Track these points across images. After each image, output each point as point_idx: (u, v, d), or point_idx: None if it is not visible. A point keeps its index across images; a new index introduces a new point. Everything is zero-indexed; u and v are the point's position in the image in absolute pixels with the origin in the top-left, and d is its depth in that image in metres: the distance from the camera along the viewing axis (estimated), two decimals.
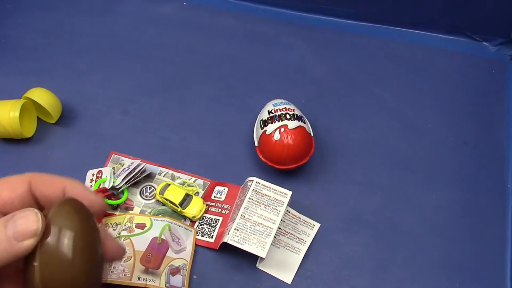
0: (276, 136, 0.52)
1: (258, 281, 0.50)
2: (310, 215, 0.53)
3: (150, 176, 0.54)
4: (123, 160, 0.55)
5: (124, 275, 0.46)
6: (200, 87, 0.61)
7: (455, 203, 0.54)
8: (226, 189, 0.53)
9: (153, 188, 0.54)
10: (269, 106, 0.54)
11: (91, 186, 0.52)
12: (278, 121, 0.52)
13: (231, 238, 0.47)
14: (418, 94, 0.61)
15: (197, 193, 0.54)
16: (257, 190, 0.49)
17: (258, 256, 0.49)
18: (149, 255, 0.47)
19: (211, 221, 0.52)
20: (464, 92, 0.61)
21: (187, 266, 0.49)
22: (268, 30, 0.66)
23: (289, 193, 0.49)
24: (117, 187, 0.52)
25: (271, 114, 0.53)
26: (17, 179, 0.28)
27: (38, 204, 0.29)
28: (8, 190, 0.27)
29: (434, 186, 0.55)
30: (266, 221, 0.48)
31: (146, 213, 0.52)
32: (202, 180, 0.54)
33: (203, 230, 0.51)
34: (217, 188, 0.54)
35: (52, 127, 0.58)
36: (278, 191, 0.49)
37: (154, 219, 0.50)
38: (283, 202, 0.49)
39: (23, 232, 0.25)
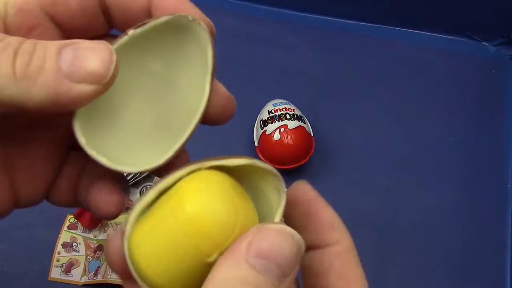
0: (276, 136, 0.52)
1: None
2: None
3: (150, 176, 0.54)
4: None
5: None
6: None
7: (455, 203, 0.54)
8: None
9: None
10: (269, 106, 0.54)
11: None
12: (278, 121, 0.52)
13: None
14: (418, 94, 0.61)
15: None
16: None
17: None
18: None
19: None
20: (464, 92, 0.61)
21: None
22: (268, 30, 0.66)
23: None
24: None
25: (271, 114, 0.53)
26: None
27: (107, 15, 0.19)
28: None
29: (434, 186, 0.55)
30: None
31: None
32: None
33: None
34: None
35: None
36: None
37: None
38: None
39: (84, 70, 0.16)
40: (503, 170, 0.56)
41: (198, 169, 0.18)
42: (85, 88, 0.15)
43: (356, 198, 0.54)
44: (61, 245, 0.49)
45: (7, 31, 0.17)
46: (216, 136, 0.58)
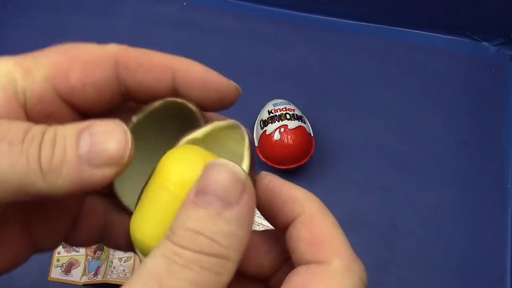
0: (276, 136, 0.52)
1: None
2: None
3: None
4: None
5: (124, 275, 0.46)
6: None
7: (455, 203, 0.54)
8: None
9: None
10: (269, 106, 0.54)
11: None
12: (278, 121, 0.52)
13: None
14: (418, 94, 0.61)
15: None
16: None
17: None
18: None
19: None
20: (464, 92, 0.61)
21: None
22: (268, 30, 0.66)
23: None
24: None
25: (271, 114, 0.53)
26: (96, 55, 0.18)
27: (126, 96, 0.19)
28: (79, 71, 0.18)
29: (434, 186, 0.55)
30: (266, 220, 0.48)
31: None
32: None
33: None
34: None
35: None
36: None
37: None
38: None
39: (102, 155, 0.16)
40: (503, 170, 0.56)
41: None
42: (106, 171, 0.16)
43: (356, 198, 0.54)
44: (61, 245, 0.49)
45: (28, 118, 0.18)
46: None
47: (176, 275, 0.15)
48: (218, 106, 0.21)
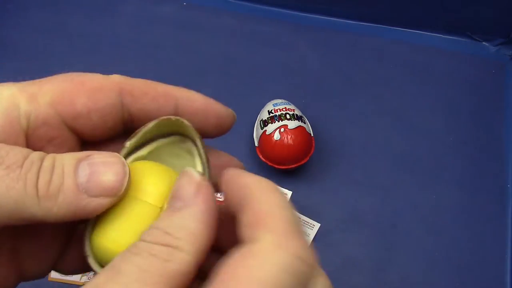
0: (276, 136, 0.52)
1: None
2: (310, 215, 0.53)
3: None
4: None
5: None
6: (200, 87, 0.61)
7: (455, 203, 0.54)
8: None
9: None
10: (269, 106, 0.54)
11: None
12: (278, 121, 0.52)
13: None
14: (418, 94, 0.61)
15: None
16: None
17: None
18: None
19: None
20: (464, 92, 0.61)
21: None
22: (268, 30, 0.66)
23: (289, 193, 0.49)
24: None
25: (271, 114, 0.53)
26: (102, 83, 0.19)
27: (127, 123, 0.20)
28: (85, 97, 0.18)
29: (434, 186, 0.55)
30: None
31: None
32: None
33: None
34: None
35: None
36: None
37: None
38: None
39: (100, 185, 0.17)
40: (503, 170, 0.56)
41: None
42: (102, 201, 0.17)
43: (356, 198, 0.54)
44: None
45: (28, 142, 0.18)
46: None
47: (127, 260, 0.16)
48: (217, 131, 0.22)
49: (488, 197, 0.54)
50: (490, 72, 0.63)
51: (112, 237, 0.18)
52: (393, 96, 0.61)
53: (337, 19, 0.66)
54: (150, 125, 0.19)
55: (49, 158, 0.17)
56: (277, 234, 0.16)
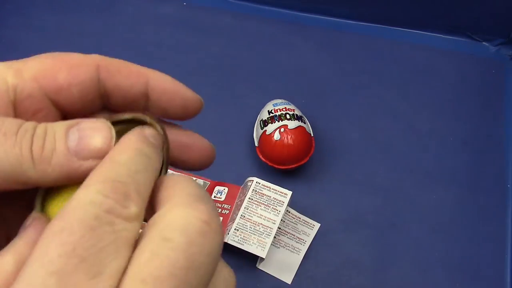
0: (276, 136, 0.52)
1: (258, 281, 0.50)
2: (310, 215, 0.53)
3: None
4: None
5: None
6: (200, 87, 0.61)
7: (455, 203, 0.54)
8: (226, 189, 0.54)
9: None
10: (269, 106, 0.54)
11: None
12: (278, 121, 0.52)
13: (231, 238, 0.47)
14: (418, 94, 0.61)
15: None
16: (257, 190, 0.49)
17: (258, 256, 0.49)
18: None
19: None
20: (464, 92, 0.61)
21: None
22: (268, 30, 0.66)
23: (289, 193, 0.49)
24: None
25: (271, 114, 0.53)
26: (81, 59, 0.20)
27: (104, 98, 0.21)
28: (66, 72, 0.20)
29: (434, 186, 0.55)
30: (266, 221, 0.48)
31: None
32: (202, 180, 0.55)
33: None
34: (217, 188, 0.54)
35: None
36: (278, 191, 0.49)
37: None
38: (283, 202, 0.49)
39: (89, 148, 0.18)
40: (503, 170, 0.56)
41: None
42: (92, 163, 0.18)
43: (356, 198, 0.54)
44: None
45: (15, 114, 0.20)
46: (216, 136, 0.58)
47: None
48: (183, 113, 0.23)
49: (488, 197, 0.54)
50: (490, 72, 0.63)
51: (59, 205, 0.19)
52: (393, 96, 0.61)
53: (338, 19, 0.66)
54: (126, 116, 0.20)
55: (42, 126, 0.18)
56: (182, 201, 0.17)
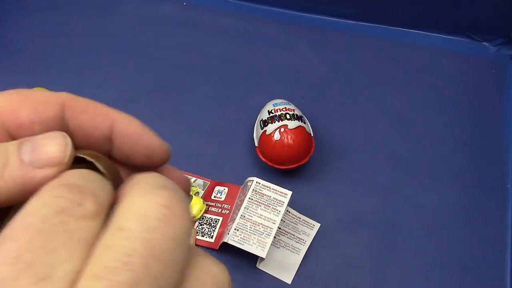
0: (276, 136, 0.52)
1: (258, 281, 0.50)
2: (310, 215, 0.53)
3: None
4: None
5: None
6: (200, 87, 0.61)
7: (455, 203, 0.54)
8: (226, 189, 0.53)
9: None
10: (269, 106, 0.54)
11: None
12: (278, 121, 0.52)
13: (231, 238, 0.47)
14: (418, 94, 0.61)
15: (197, 193, 0.54)
16: (257, 190, 0.49)
17: (258, 256, 0.49)
18: None
19: (211, 221, 0.52)
20: (464, 92, 0.61)
21: None
22: (268, 30, 0.66)
23: (289, 193, 0.49)
24: None
25: (271, 114, 0.53)
26: (46, 97, 0.20)
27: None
28: (30, 108, 0.19)
29: (434, 186, 0.55)
30: (266, 221, 0.48)
31: None
32: (202, 180, 0.55)
33: (203, 230, 0.51)
34: (217, 188, 0.54)
35: None
36: (278, 191, 0.49)
37: None
38: (283, 202, 0.49)
39: (44, 156, 0.17)
40: (503, 170, 0.56)
41: None
42: (48, 171, 0.17)
43: (356, 198, 0.54)
44: None
45: None
46: (216, 136, 0.58)
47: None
48: (147, 162, 0.21)
49: (488, 197, 0.54)
50: (490, 72, 0.63)
51: None
52: (393, 96, 0.61)
53: (337, 19, 0.66)
54: (81, 153, 0.20)
55: None
56: (141, 190, 0.16)
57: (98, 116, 0.20)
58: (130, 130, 0.20)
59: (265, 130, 0.53)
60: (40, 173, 0.17)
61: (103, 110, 0.20)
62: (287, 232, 0.52)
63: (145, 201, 0.15)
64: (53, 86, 0.57)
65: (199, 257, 0.17)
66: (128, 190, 0.17)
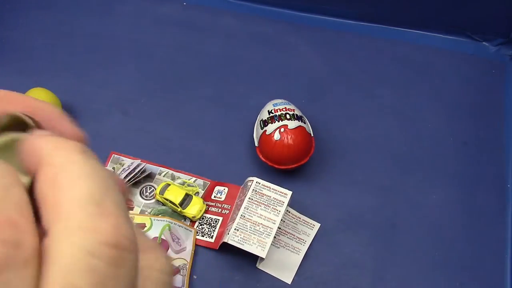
0: (276, 136, 0.52)
1: (258, 281, 0.50)
2: (310, 215, 0.53)
3: (150, 176, 0.54)
4: (123, 160, 0.55)
5: None
6: (200, 87, 0.61)
7: (455, 203, 0.54)
8: (226, 189, 0.53)
9: (153, 188, 0.54)
10: (269, 106, 0.54)
11: None
12: (278, 121, 0.52)
13: (231, 238, 0.47)
14: (418, 94, 0.61)
15: (197, 193, 0.54)
16: (257, 190, 0.49)
17: (258, 256, 0.49)
18: None
19: (211, 221, 0.52)
20: (464, 92, 0.61)
21: (187, 266, 0.49)
22: (268, 30, 0.66)
23: (289, 193, 0.49)
24: None
25: (271, 114, 0.53)
26: None
27: None
28: None
29: (434, 186, 0.55)
30: (266, 221, 0.48)
31: (146, 213, 0.52)
32: (202, 180, 0.54)
33: (203, 230, 0.51)
34: (217, 188, 0.54)
35: None
36: (278, 191, 0.49)
37: (154, 219, 0.50)
38: (283, 202, 0.49)
39: None
40: (503, 170, 0.56)
41: None
42: None
43: (356, 198, 0.54)
44: None
45: None
46: (216, 136, 0.58)
47: None
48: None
49: (488, 197, 0.54)
50: (490, 72, 0.63)
51: None
52: (393, 96, 0.61)
53: (337, 19, 0.66)
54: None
55: None
56: (73, 222, 0.13)
57: (19, 104, 0.18)
58: (43, 114, 0.19)
59: (265, 130, 0.53)
60: None
61: (26, 100, 0.19)
62: (287, 232, 0.52)
63: (87, 246, 0.12)
64: (53, 86, 0.57)
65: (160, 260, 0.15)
66: (53, 215, 0.13)
